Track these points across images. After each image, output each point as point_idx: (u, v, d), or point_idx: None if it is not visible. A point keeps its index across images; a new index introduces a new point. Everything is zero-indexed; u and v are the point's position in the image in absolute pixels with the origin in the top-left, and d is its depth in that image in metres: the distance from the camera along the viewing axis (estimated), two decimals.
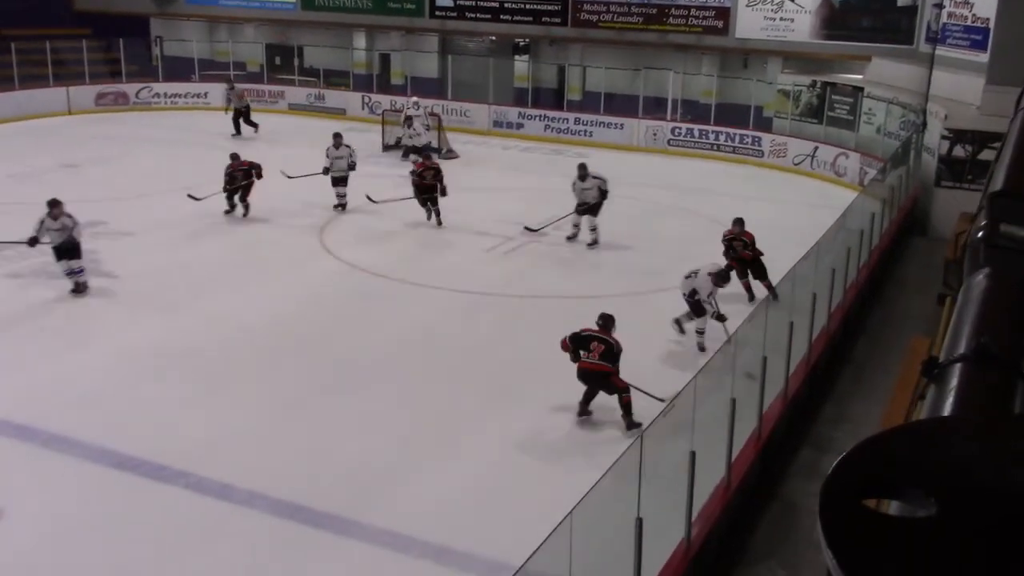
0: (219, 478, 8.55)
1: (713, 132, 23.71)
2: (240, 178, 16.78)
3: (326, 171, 17.51)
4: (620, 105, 24.99)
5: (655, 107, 24.84)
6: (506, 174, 21.37)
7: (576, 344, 9.59)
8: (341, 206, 17.49)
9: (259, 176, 16.86)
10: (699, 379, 7.31)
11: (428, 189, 16.71)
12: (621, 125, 24.57)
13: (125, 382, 10.51)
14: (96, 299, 13.07)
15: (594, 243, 15.69)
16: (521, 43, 27.71)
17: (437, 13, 27.36)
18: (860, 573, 1.04)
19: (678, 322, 11.79)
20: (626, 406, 9.40)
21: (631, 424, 9.31)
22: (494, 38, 27.70)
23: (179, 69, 29.27)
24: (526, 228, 16.35)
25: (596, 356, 9.47)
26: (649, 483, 6.23)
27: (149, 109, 27.70)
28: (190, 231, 16.09)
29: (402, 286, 13.79)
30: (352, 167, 17.74)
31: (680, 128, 24.14)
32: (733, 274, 12.72)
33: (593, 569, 6.84)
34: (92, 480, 8.60)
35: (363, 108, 26.94)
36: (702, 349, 11.36)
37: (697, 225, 17.53)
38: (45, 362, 10.96)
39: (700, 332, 11.59)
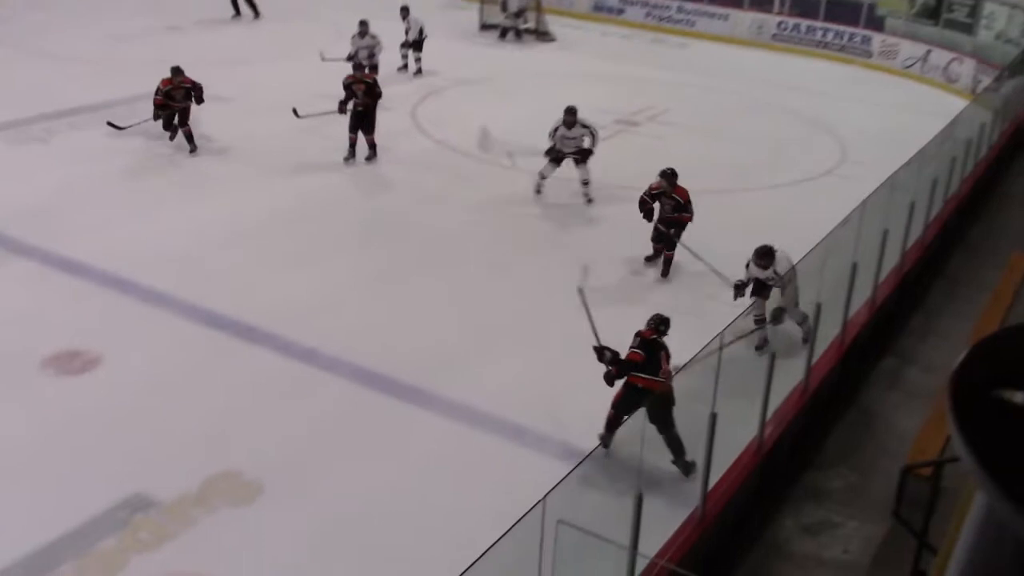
0: (305, 342, 8.82)
1: (821, 29, 22.81)
2: (179, 98, 13.53)
3: (350, 58, 16.28)
4: None
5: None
6: (603, 61, 20.96)
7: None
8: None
9: (199, 100, 13.73)
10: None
11: (359, 115, 13.48)
12: (726, 16, 23.78)
13: (222, 244, 10.81)
14: (198, 163, 13.35)
15: (589, 200, 12.76)
16: None
17: None
18: (990, 456, 1.05)
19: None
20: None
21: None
22: None
23: None
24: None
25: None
26: (726, 380, 6.24)
27: None
28: (292, 99, 16.20)
29: (490, 168, 13.75)
30: (371, 61, 16.40)
31: (786, 22, 23.27)
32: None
33: (665, 460, 6.96)
34: (186, 336, 8.95)
35: None
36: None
37: (794, 125, 17.07)
38: (145, 219, 11.31)
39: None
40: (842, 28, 22.48)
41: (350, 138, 13.41)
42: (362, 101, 13.37)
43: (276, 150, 13.85)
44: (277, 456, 7.29)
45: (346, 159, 13.42)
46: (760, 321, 8.65)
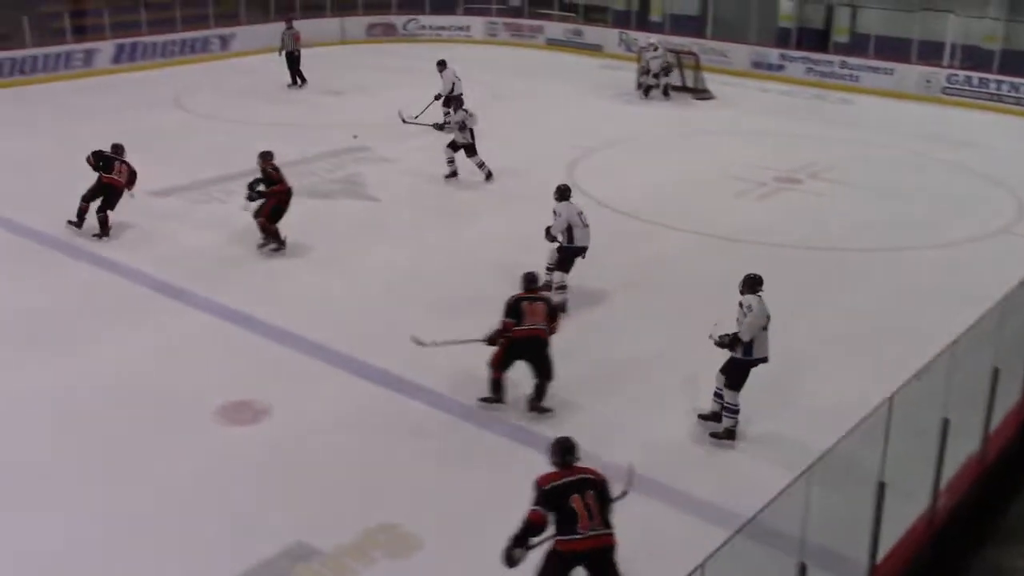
0: (462, 399, 8.92)
1: (995, 81, 21.89)
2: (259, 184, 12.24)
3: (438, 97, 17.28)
4: (891, 48, 23.50)
5: (930, 52, 23.18)
6: (762, 117, 20.69)
7: (511, 315, 8.39)
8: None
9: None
10: (959, 342, 6.89)
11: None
12: (891, 71, 23.13)
13: (382, 299, 11.11)
14: (356, 220, 13.83)
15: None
16: None
17: None
18: None
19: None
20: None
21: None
22: None
23: (446, 1, 30.05)
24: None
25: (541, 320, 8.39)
26: (895, 447, 5.96)
27: (414, 41, 28.66)
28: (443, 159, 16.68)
29: (646, 225, 13.70)
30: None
31: (958, 75, 22.43)
32: None
33: (828, 530, 6.67)
34: (349, 389, 9.19)
35: (619, 44, 26.74)
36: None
37: (966, 181, 16.37)
38: (310, 276, 11.76)
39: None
40: (1017, 80, 21.50)
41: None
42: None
43: (424, 210, 14.21)
44: (436, 510, 7.36)
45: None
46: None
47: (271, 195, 12.14)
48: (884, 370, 8.96)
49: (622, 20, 28.07)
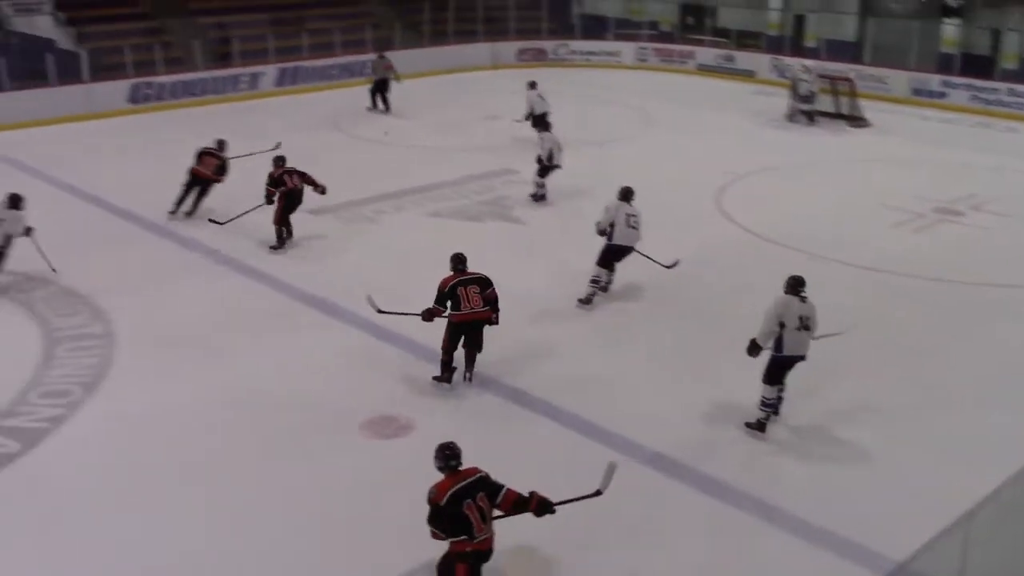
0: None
1: None
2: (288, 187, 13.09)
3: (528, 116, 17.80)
4: None
5: None
6: (922, 146, 19.97)
7: (445, 300, 9.20)
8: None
9: (319, 190, 13.60)
10: None
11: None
12: None
13: (527, 320, 11.14)
14: (502, 242, 13.98)
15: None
16: (952, 4, 25.49)
17: None
18: None
19: None
20: None
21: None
22: None
23: (595, 27, 30.24)
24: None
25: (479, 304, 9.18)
26: None
27: (564, 65, 28.91)
28: (593, 186, 16.71)
29: (796, 254, 13.36)
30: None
31: None
32: None
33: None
34: (486, 407, 9.31)
35: (772, 70, 26.30)
36: None
37: None
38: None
39: None
40: None
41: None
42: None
43: (580, 227, 14.24)
44: (573, 534, 7.34)
45: None
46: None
47: (280, 197, 13.12)
48: None
49: (775, 45, 27.62)
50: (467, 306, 9.22)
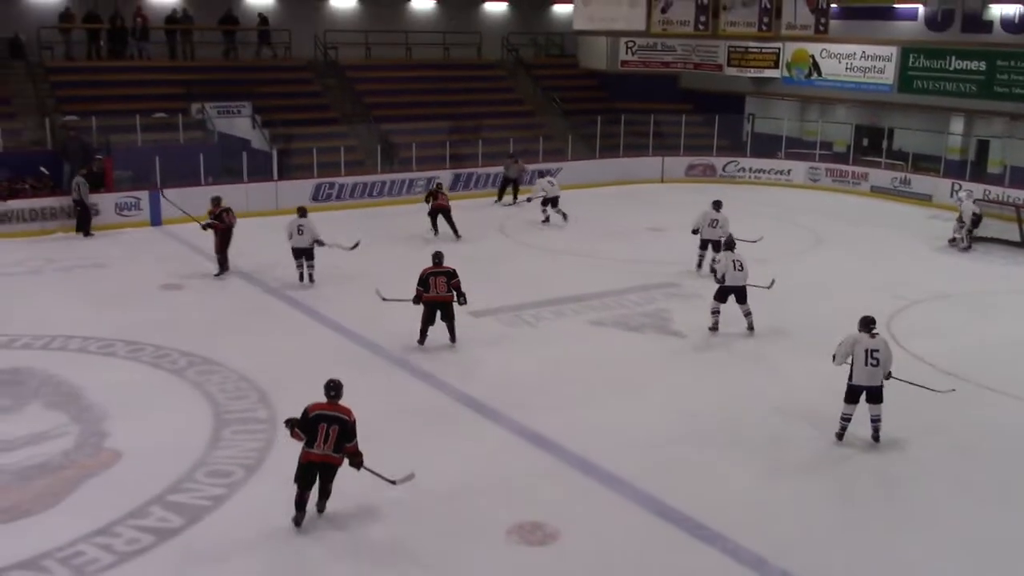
0: (756, 549, 8.59)
1: None
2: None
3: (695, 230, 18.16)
4: None
5: None
6: None
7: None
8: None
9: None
10: None
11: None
12: None
13: (682, 436, 11.03)
14: (661, 354, 13.90)
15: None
16: None
17: None
18: None
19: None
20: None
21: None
22: None
23: (766, 145, 30.14)
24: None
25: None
26: None
27: (734, 182, 28.83)
28: (758, 300, 16.45)
29: (970, 387, 12.70)
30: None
31: None
32: None
33: None
34: (639, 525, 9.14)
35: (952, 195, 25.43)
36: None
37: None
38: (611, 406, 11.90)
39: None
40: None
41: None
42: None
43: (737, 345, 14.02)
44: None
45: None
46: None
47: (215, 228, 17.28)
48: None
49: (956, 171, 26.77)
50: (434, 291, 13.05)
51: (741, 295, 14.31)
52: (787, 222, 21.70)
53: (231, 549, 8.57)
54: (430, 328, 13.59)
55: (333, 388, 8.96)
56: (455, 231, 20.70)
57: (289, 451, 10.27)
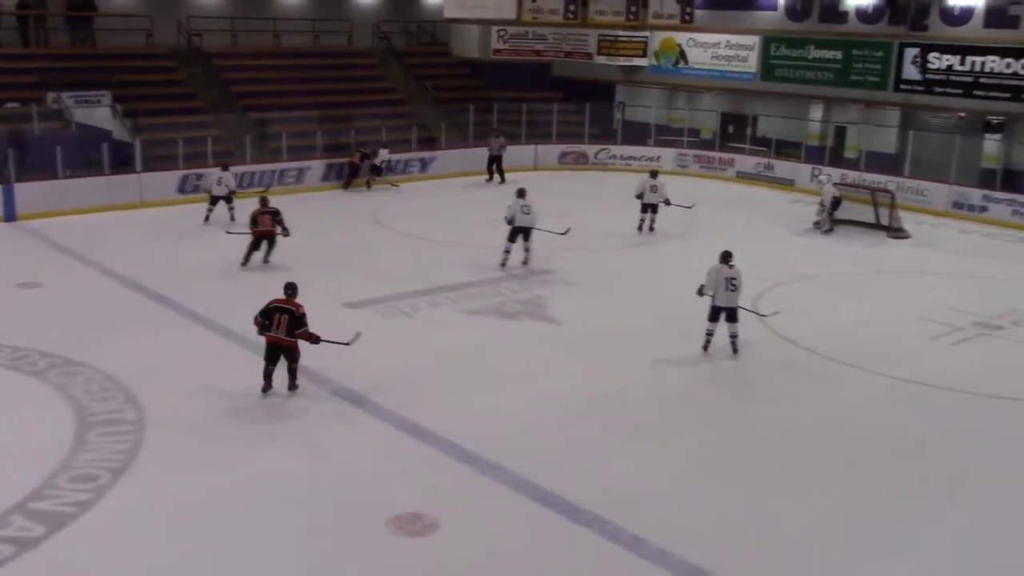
0: (632, 529, 8.76)
1: None
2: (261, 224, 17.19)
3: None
4: None
5: None
6: (962, 259, 19.86)
7: (263, 317, 11.37)
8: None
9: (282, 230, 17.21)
10: None
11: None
12: None
13: (559, 422, 11.16)
14: (538, 341, 14.03)
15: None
16: (994, 121, 25.64)
17: (902, 87, 26.25)
18: None
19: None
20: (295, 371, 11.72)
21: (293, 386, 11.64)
22: (963, 115, 25.92)
23: (636, 133, 30.72)
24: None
25: (283, 329, 11.27)
26: None
27: (605, 169, 29.31)
28: (633, 285, 16.77)
29: (834, 364, 13.28)
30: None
31: None
32: None
33: None
34: (519, 511, 9.19)
35: (812, 180, 26.42)
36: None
37: None
38: (488, 395, 11.95)
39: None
40: None
41: None
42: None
43: (612, 329, 14.27)
44: None
45: None
46: None
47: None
48: None
49: (815, 156, 27.82)
50: (274, 329, 11.46)
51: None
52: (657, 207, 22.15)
53: (98, 556, 8.27)
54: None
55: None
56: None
57: (160, 452, 10.01)
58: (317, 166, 25.23)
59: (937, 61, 25.45)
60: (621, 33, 31.53)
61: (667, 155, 29.63)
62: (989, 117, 25.51)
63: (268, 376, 11.54)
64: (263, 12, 30.87)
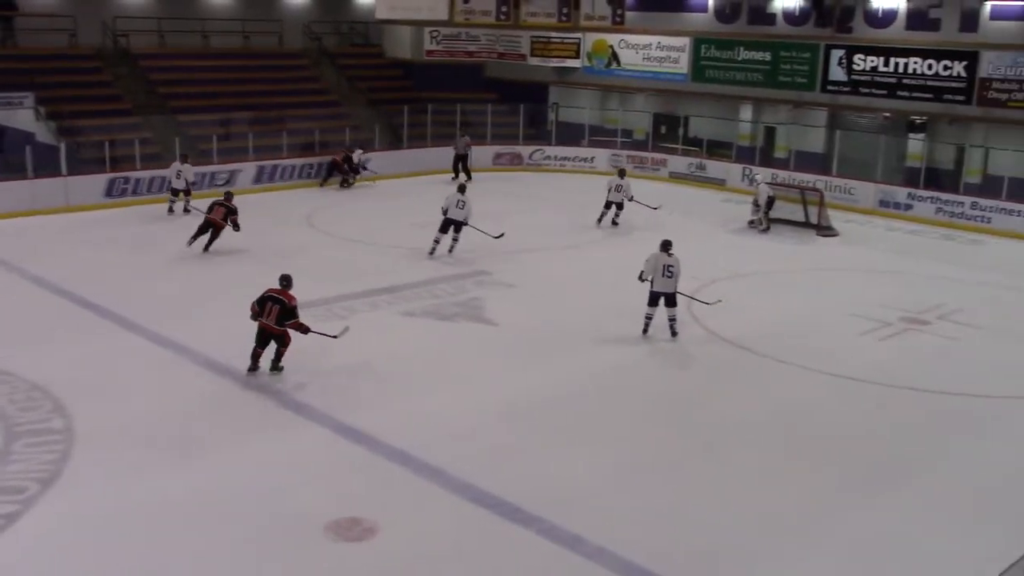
0: (571, 528, 8.79)
1: None
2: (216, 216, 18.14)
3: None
4: None
5: None
6: (888, 256, 20.32)
7: (258, 305, 12.02)
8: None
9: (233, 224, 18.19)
10: None
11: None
12: None
13: (497, 423, 11.16)
14: (475, 343, 14.01)
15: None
16: (917, 121, 26.29)
17: (829, 87, 26.76)
18: None
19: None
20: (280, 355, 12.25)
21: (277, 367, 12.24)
22: (888, 115, 26.53)
23: (570, 133, 30.87)
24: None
25: (273, 317, 11.90)
26: None
27: (540, 170, 29.41)
28: (570, 286, 16.84)
29: (766, 361, 13.49)
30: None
31: None
32: None
33: None
34: (457, 512, 9.18)
35: (743, 180, 26.83)
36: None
37: None
38: (425, 397, 11.90)
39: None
40: None
41: None
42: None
43: (542, 335, 14.31)
44: None
45: None
46: None
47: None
48: (1019, 525, 8.50)
49: (746, 156, 28.24)
50: (264, 317, 12.00)
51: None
52: (592, 208, 22.29)
53: (27, 569, 8.05)
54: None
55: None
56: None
57: (89, 462, 9.79)
58: (249, 168, 24.89)
59: (862, 62, 26.00)
60: (553, 34, 31.66)
61: (600, 156, 29.82)
62: (912, 117, 26.14)
63: (255, 358, 12.17)
64: (191, 12, 30.38)
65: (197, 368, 12.57)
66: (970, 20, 24.46)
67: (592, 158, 29.80)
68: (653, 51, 30.17)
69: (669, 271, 13.93)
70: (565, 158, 29.94)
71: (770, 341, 14.17)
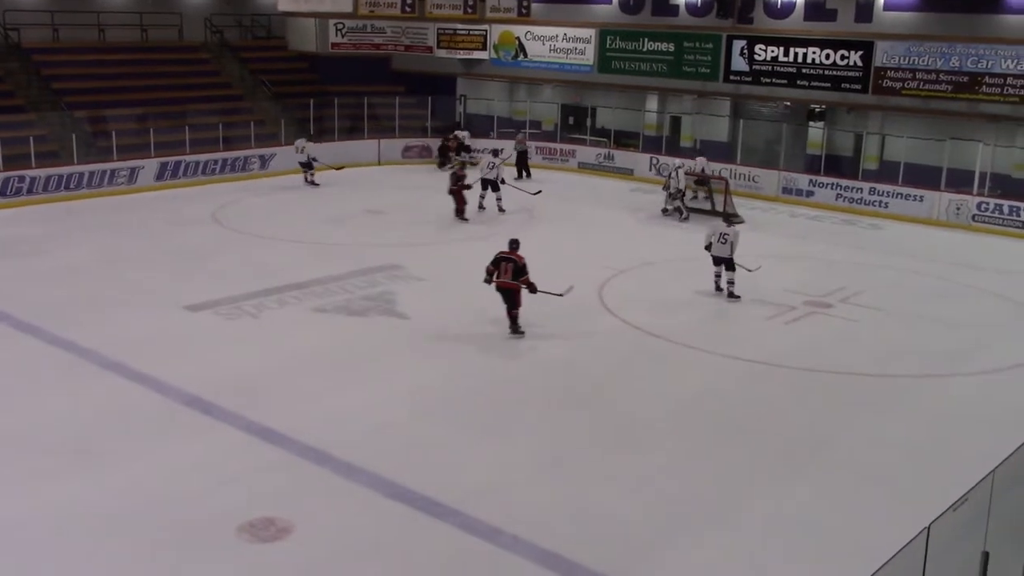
0: (489, 520, 8.81)
1: None
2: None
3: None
4: (920, 176, 23.70)
5: (960, 180, 23.34)
6: (792, 242, 20.81)
7: (493, 265, 13.53)
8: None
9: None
10: (998, 472, 6.73)
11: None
12: (921, 197, 23.28)
13: (411, 418, 11.10)
14: (387, 338, 13.92)
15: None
16: (817, 109, 26.96)
17: (731, 77, 27.24)
18: None
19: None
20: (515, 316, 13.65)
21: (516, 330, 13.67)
22: (788, 103, 27.15)
23: (479, 125, 30.84)
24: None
25: (508, 274, 13.38)
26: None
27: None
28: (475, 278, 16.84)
29: (678, 348, 13.70)
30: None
31: (988, 203, 22.53)
32: None
33: None
34: (374, 509, 9.11)
35: (651, 169, 27.18)
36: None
37: (1003, 309, 16.26)
38: (339, 394, 11.78)
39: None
40: None
41: None
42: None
43: (453, 328, 14.29)
44: None
45: None
46: None
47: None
48: (919, 500, 8.79)
49: (653, 145, 28.60)
50: (502, 276, 13.54)
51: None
52: (505, 199, 22.34)
53: None
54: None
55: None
56: None
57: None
58: (151, 165, 24.27)
59: (763, 53, 26.52)
60: (460, 27, 31.56)
61: (510, 147, 29.79)
62: (812, 106, 26.79)
63: (513, 319, 13.76)
64: (86, 5, 29.43)
65: (98, 370, 12.22)
66: (865, 11, 25.15)
67: (502, 149, 29.77)
68: (559, 43, 30.30)
69: (723, 238, 15.85)
70: (475, 150, 29.88)
71: (680, 328, 14.39)
